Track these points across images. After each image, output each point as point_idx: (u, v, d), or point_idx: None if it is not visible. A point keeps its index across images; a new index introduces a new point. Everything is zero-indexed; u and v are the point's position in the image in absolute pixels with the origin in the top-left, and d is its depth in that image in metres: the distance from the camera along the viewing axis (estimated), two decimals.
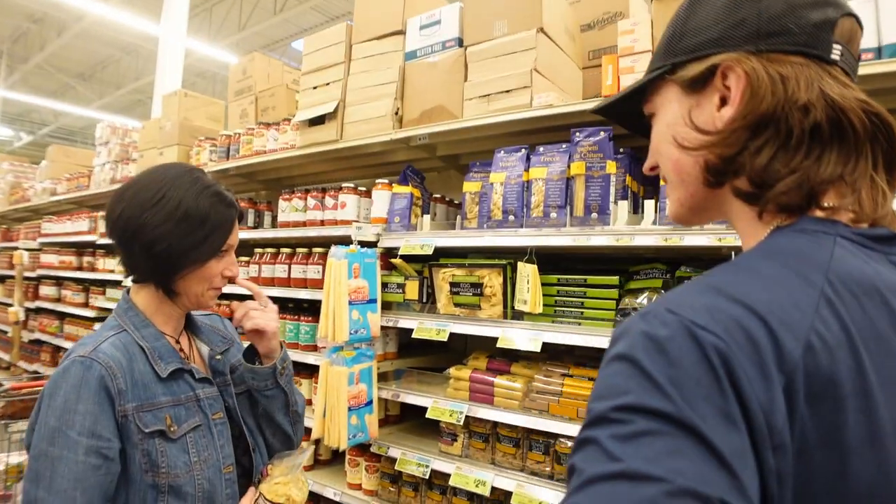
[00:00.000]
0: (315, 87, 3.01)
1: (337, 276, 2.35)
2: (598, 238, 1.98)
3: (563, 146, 2.14)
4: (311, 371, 2.93)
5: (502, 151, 2.26)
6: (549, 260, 2.27)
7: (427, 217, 2.53)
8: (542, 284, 2.15)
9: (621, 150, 2.15)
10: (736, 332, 0.47)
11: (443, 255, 2.47)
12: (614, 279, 2.09)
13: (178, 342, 1.31)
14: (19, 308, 5.31)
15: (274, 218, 3.47)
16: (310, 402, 2.93)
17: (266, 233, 3.15)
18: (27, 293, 5.47)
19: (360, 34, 2.84)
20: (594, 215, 2.03)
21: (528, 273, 2.12)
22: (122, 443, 1.12)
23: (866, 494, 0.46)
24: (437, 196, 2.87)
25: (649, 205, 1.95)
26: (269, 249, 3.14)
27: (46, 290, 5.27)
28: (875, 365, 0.49)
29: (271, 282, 3.06)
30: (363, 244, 2.51)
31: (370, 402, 2.42)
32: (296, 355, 2.86)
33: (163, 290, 1.26)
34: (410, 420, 2.82)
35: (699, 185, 0.67)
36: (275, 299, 3.20)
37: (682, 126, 0.66)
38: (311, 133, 2.96)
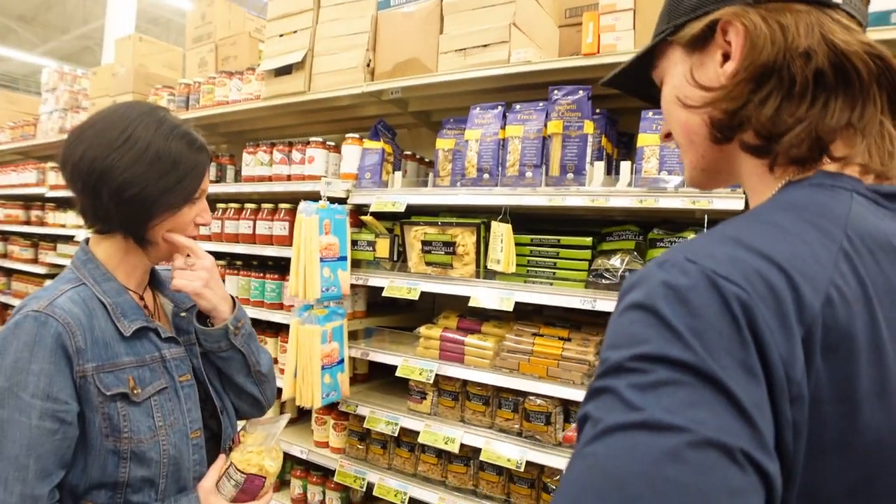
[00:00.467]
0: (281, 35, 2.86)
1: (308, 233, 2.29)
2: (573, 198, 1.97)
3: (541, 104, 2.10)
4: (277, 329, 2.88)
5: (478, 108, 2.21)
6: (522, 220, 2.25)
7: (399, 174, 2.47)
8: (516, 244, 2.14)
9: (598, 110, 2.13)
10: (757, 282, 0.46)
11: (414, 213, 2.43)
12: (587, 240, 2.09)
13: (142, 298, 1.22)
14: None
15: (237, 172, 3.34)
16: (276, 362, 2.89)
17: (229, 187, 3.03)
18: None
19: None
20: (570, 175, 2.01)
21: (502, 232, 2.11)
22: (81, 406, 1.04)
23: (875, 446, 0.47)
24: (408, 153, 2.81)
25: (625, 166, 1.95)
26: (233, 205, 3.03)
27: None
28: (888, 320, 0.50)
29: (235, 238, 2.97)
30: (332, 200, 2.44)
31: (342, 361, 2.40)
32: (261, 314, 2.80)
33: (134, 239, 1.16)
34: (378, 379, 2.82)
35: (708, 145, 0.66)
36: (239, 256, 3.15)
37: (686, 86, 0.66)
38: (277, 84, 2.83)
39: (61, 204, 4.42)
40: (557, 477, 2.09)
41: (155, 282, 1.32)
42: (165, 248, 1.20)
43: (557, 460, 1.98)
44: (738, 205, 1.73)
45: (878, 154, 0.58)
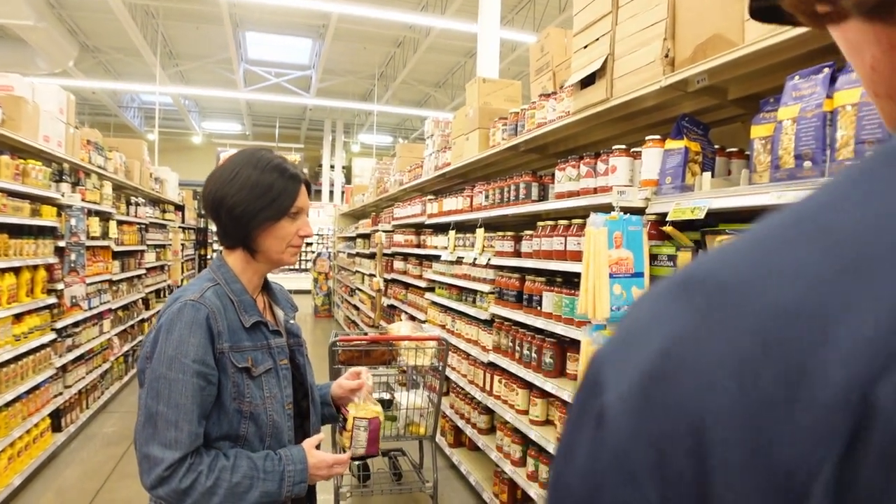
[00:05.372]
0: (586, 47, 2.82)
1: (595, 247, 2.16)
2: None
3: None
4: None
5: (796, 77, 1.70)
6: None
7: (706, 175, 2.10)
8: None
9: None
10: None
11: (725, 220, 2.02)
12: None
13: (255, 299, 1.54)
14: (380, 279, 6.56)
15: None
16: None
17: (544, 205, 3.12)
18: (386, 267, 6.72)
19: None
20: None
21: None
22: (218, 373, 1.37)
23: None
24: (733, 150, 2.37)
25: None
26: (549, 222, 3.11)
27: (398, 264, 6.37)
28: None
29: (549, 255, 3.03)
30: (629, 210, 2.24)
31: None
32: (569, 331, 2.77)
33: (247, 249, 1.49)
34: None
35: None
36: (554, 273, 3.20)
37: None
38: (582, 95, 2.79)
39: (436, 230, 5.32)
40: None
41: (268, 290, 1.65)
42: (274, 256, 1.51)
43: None
44: None
45: None
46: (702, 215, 1.94)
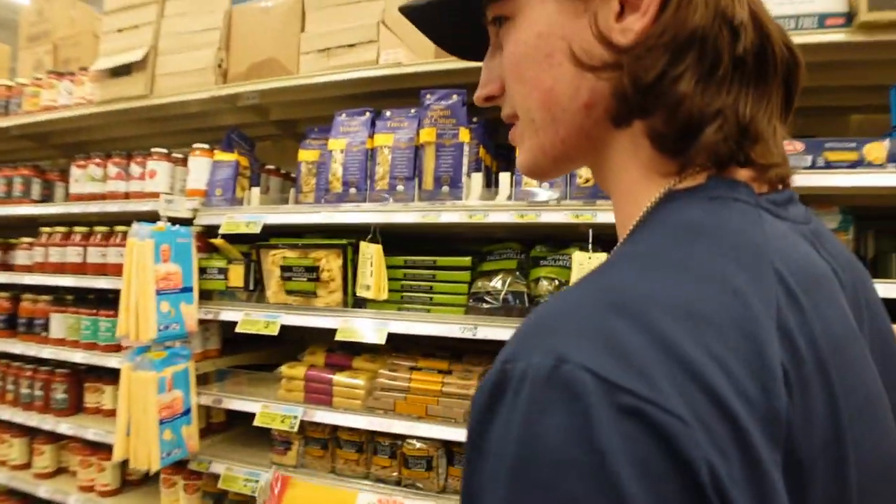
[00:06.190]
0: (120, 31, 2.47)
1: (140, 261, 1.90)
2: (449, 214, 1.76)
3: (413, 111, 1.90)
4: (115, 376, 2.41)
5: (344, 114, 1.96)
6: (394, 239, 2.01)
7: (256, 190, 2.15)
8: (388, 267, 1.90)
9: (475, 119, 1.96)
10: (699, 401, 0.29)
11: (275, 234, 2.11)
12: (466, 260, 1.90)
13: None
14: None
15: (68, 190, 2.84)
16: (114, 414, 2.42)
17: (54, 208, 2.54)
18: None
19: None
20: (445, 188, 1.81)
21: (371, 254, 1.86)
22: None
23: None
24: (271, 168, 2.50)
25: (504, 178, 1.78)
26: (60, 228, 2.55)
27: None
28: (845, 389, 0.36)
29: (62, 268, 2.48)
30: (175, 221, 2.07)
31: (188, 412, 2.01)
32: (94, 358, 2.34)
33: None
34: (241, 426, 2.43)
35: (576, 125, 0.47)
36: (68, 290, 2.64)
37: (586, 37, 0.44)
38: (113, 86, 2.42)
39: None
40: None
41: None
42: None
43: None
44: None
45: (777, 154, 0.44)
46: (257, 230, 1.98)
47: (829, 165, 1.58)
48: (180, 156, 2.36)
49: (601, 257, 1.64)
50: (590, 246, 1.70)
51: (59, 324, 2.49)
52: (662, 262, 0.37)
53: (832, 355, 0.36)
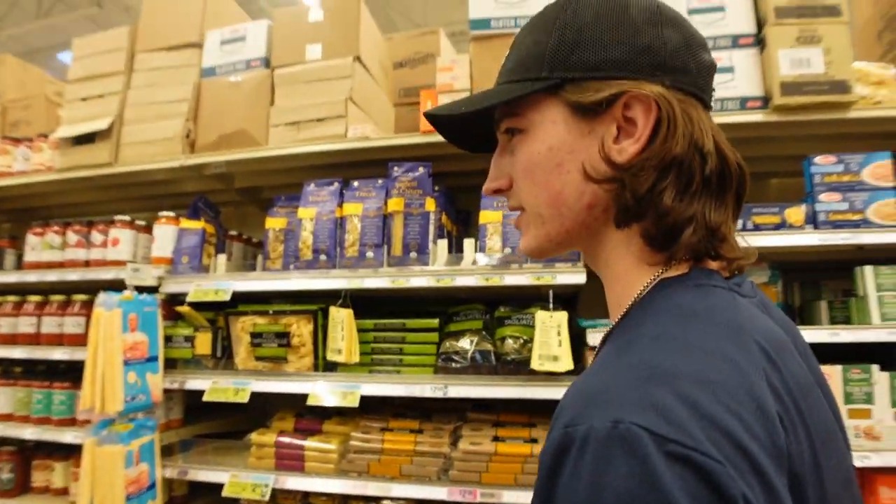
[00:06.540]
0: (85, 99, 2.50)
1: (107, 331, 1.89)
2: (418, 279, 1.86)
3: (380, 181, 2.01)
4: (67, 452, 2.32)
5: (313, 184, 2.05)
6: (360, 304, 2.08)
7: (222, 257, 2.19)
8: (358, 331, 1.96)
9: (436, 187, 2.09)
10: (726, 445, 0.39)
11: (242, 301, 2.14)
12: (434, 322, 1.98)
13: None
14: None
15: (19, 257, 2.77)
16: (65, 492, 2.31)
17: (9, 276, 2.47)
18: None
19: (146, 42, 2.44)
20: (413, 255, 1.91)
21: (342, 318, 1.91)
22: None
23: None
24: (234, 234, 2.53)
25: (468, 244, 1.90)
26: (11, 298, 2.47)
27: None
28: (815, 425, 0.47)
29: (12, 340, 2.40)
30: (140, 290, 2.07)
31: (153, 486, 1.96)
32: (47, 433, 2.24)
33: None
34: (205, 497, 2.36)
35: (579, 221, 0.59)
36: (18, 362, 2.55)
37: (594, 155, 0.57)
38: (76, 153, 2.43)
39: None
40: None
41: None
42: None
43: None
44: (580, 279, 1.74)
45: (741, 250, 0.58)
46: (227, 297, 2.00)
47: (756, 228, 1.78)
48: (143, 223, 2.37)
49: (562, 316, 1.76)
50: (550, 305, 1.82)
51: (7, 398, 2.38)
52: (674, 343, 0.46)
53: (803, 400, 0.47)
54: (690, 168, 0.54)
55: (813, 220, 1.77)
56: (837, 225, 1.75)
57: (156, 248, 2.23)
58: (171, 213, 2.28)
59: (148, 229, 2.35)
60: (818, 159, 1.79)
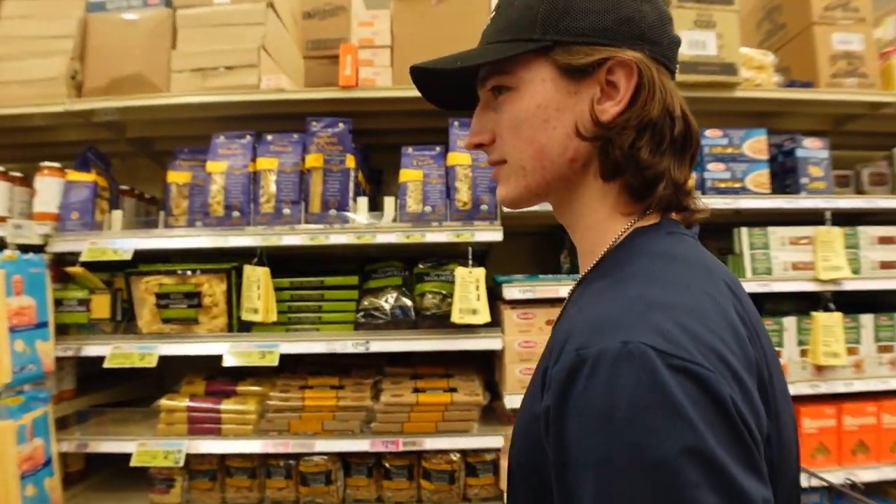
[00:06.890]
0: None
1: None
2: (338, 236, 1.84)
3: (296, 136, 1.94)
4: None
5: (223, 136, 1.94)
6: (276, 262, 2.02)
7: (118, 213, 2.02)
8: (275, 289, 1.91)
9: (354, 145, 2.05)
10: (712, 357, 0.47)
11: (141, 261, 2.00)
12: (353, 279, 1.99)
13: None
14: None
15: None
16: None
17: None
18: None
19: None
20: (332, 212, 1.88)
21: (258, 277, 1.86)
22: None
23: (777, 458, 0.54)
24: (125, 188, 2.33)
25: (389, 201, 1.91)
26: None
27: None
28: (766, 347, 0.58)
29: None
30: (24, 249, 1.87)
31: (49, 462, 1.81)
32: None
33: None
34: (102, 472, 2.21)
35: (559, 174, 0.65)
36: None
37: (584, 113, 0.62)
38: None
39: None
40: None
41: None
42: None
43: None
44: (498, 236, 1.82)
45: (698, 205, 0.67)
46: (128, 256, 1.87)
47: None
48: (19, 175, 2.11)
49: (480, 272, 1.84)
50: (470, 262, 1.88)
51: None
52: (660, 279, 0.54)
53: (758, 325, 0.59)
54: (662, 129, 0.61)
55: (701, 187, 1.97)
56: (721, 191, 1.96)
57: (38, 202, 2.01)
58: (56, 164, 2.06)
59: (25, 181, 2.10)
60: (708, 132, 1.98)
